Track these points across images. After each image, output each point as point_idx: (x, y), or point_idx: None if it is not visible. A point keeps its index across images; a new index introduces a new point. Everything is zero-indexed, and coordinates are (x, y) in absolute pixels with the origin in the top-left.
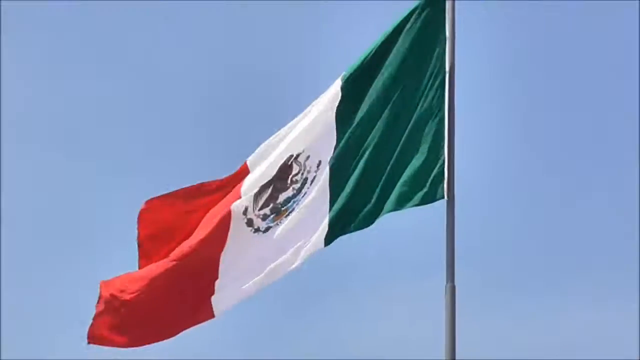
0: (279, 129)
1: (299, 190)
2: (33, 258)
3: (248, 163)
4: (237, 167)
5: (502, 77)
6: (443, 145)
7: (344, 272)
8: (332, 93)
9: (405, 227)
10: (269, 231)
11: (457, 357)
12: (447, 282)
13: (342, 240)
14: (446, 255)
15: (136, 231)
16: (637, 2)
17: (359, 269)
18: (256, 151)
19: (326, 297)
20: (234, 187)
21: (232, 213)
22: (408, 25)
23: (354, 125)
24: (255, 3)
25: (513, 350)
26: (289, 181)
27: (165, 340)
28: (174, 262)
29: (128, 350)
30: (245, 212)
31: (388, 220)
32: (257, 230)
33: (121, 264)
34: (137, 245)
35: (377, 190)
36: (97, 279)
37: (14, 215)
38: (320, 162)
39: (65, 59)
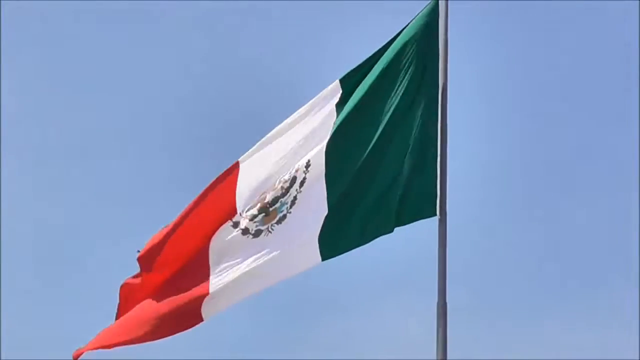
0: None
1: (287, 190)
2: (32, 260)
3: (240, 161)
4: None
5: (493, 91)
6: (435, 163)
7: (335, 290)
8: (329, 97)
9: (397, 245)
10: (261, 235)
11: None
12: (438, 300)
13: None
14: (438, 272)
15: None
16: (637, 1)
17: (351, 288)
18: (248, 152)
19: (318, 316)
20: (223, 187)
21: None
22: (404, 37)
23: (345, 137)
24: (256, 4)
25: None
26: (277, 180)
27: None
28: (166, 274)
29: (127, 350)
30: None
31: (380, 238)
32: (246, 231)
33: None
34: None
35: (369, 209)
36: (96, 281)
37: (13, 217)
38: (309, 162)
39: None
